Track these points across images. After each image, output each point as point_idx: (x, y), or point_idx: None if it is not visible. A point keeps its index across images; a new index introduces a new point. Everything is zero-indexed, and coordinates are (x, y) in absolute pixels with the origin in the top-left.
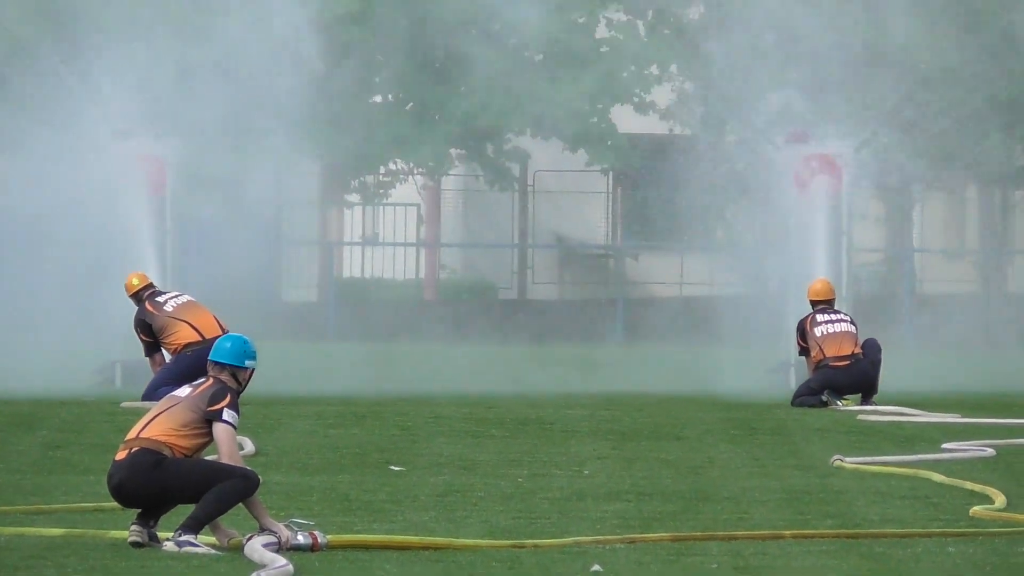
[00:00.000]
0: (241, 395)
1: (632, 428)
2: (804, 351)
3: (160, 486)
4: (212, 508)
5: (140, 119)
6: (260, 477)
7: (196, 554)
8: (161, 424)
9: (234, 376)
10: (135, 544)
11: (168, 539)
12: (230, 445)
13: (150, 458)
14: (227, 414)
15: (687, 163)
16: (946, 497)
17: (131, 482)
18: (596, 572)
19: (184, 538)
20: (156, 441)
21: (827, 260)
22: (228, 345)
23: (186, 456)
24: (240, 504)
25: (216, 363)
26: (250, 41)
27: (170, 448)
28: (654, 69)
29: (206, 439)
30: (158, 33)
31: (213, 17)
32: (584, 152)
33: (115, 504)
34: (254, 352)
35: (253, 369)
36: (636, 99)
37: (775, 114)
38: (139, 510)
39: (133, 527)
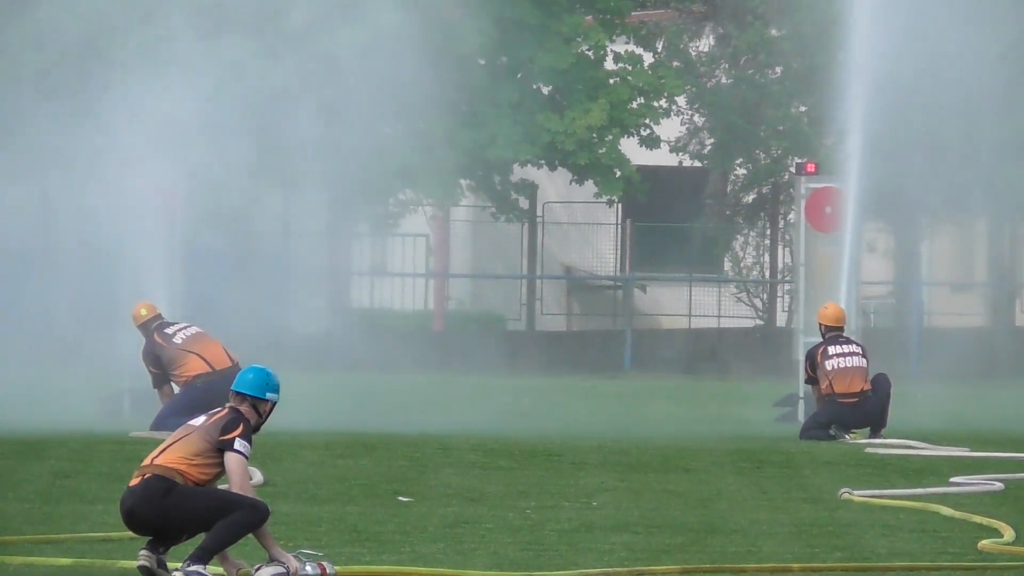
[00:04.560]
0: (261, 428)
1: (640, 460)
2: (812, 380)
3: (169, 514)
4: (221, 538)
5: (151, 150)
6: (269, 507)
7: None
8: (175, 452)
9: (255, 408)
10: (143, 569)
11: (176, 570)
12: (241, 475)
13: (161, 485)
14: (239, 444)
15: (696, 195)
16: (954, 531)
17: (141, 509)
18: None
19: (192, 568)
20: (169, 469)
21: (835, 293)
22: (251, 376)
23: (198, 485)
24: (249, 534)
25: (237, 393)
26: (264, 73)
27: (182, 476)
28: (663, 102)
29: (219, 469)
30: (171, 66)
31: (226, 49)
32: (592, 184)
33: (124, 533)
34: (277, 385)
35: (275, 402)
36: (646, 131)
37: (784, 147)
38: (150, 537)
39: (142, 552)
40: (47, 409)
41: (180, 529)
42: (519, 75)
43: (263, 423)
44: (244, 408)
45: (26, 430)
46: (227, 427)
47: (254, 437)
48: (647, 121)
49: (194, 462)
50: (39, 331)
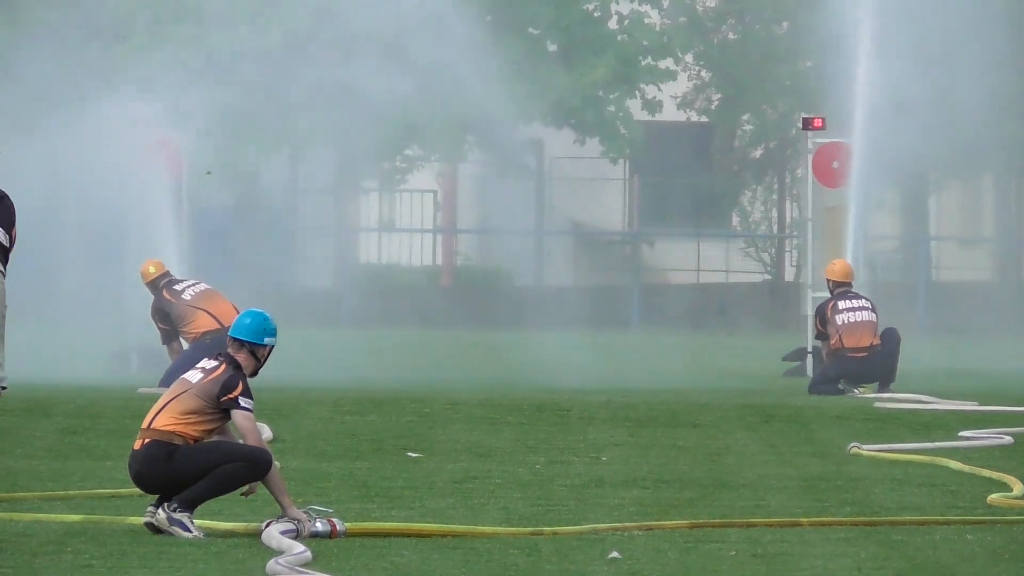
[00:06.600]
0: (259, 372)
1: (649, 415)
2: (822, 335)
3: (175, 476)
4: (211, 489)
5: (157, 106)
6: (273, 461)
7: (183, 537)
8: (171, 413)
9: (252, 353)
10: (149, 526)
11: (162, 510)
12: (253, 431)
13: (162, 451)
14: (244, 401)
15: (703, 150)
16: (964, 485)
17: (147, 474)
18: (614, 559)
19: (177, 516)
20: (167, 432)
21: (842, 248)
22: (248, 321)
23: (198, 441)
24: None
25: (235, 339)
26: (267, 30)
27: (181, 437)
28: (669, 63)
29: (216, 424)
30: (177, 23)
31: (231, 7)
32: (598, 142)
33: (133, 490)
34: (274, 329)
35: (272, 346)
36: (650, 94)
37: (790, 102)
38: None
39: (150, 508)
40: (55, 365)
41: (190, 485)
42: (526, 31)
43: (261, 367)
44: (242, 356)
45: (34, 387)
46: (227, 386)
47: (253, 384)
48: (658, 84)
49: (190, 421)
50: (47, 288)
